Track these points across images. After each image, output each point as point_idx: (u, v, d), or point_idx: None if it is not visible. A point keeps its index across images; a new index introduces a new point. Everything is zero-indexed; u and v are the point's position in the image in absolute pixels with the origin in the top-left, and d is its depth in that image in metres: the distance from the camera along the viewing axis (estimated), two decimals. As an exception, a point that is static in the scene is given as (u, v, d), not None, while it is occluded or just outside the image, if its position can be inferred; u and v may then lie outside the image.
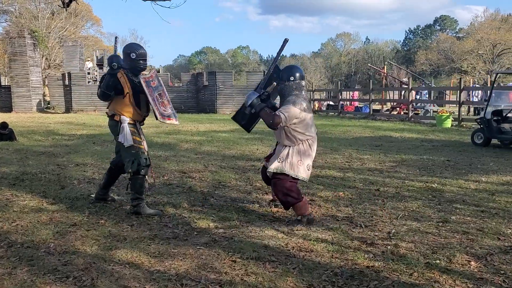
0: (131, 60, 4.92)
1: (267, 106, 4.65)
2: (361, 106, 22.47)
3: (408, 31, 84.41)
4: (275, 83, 4.75)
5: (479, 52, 55.19)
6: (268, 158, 4.85)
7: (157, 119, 4.90)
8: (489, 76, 52.14)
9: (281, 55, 5.00)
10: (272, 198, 5.24)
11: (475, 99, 21.34)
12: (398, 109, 19.32)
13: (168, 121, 4.96)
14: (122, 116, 4.94)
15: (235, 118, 5.10)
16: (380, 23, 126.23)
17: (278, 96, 4.82)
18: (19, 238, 4.18)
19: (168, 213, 4.99)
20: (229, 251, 3.82)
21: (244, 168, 7.58)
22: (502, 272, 3.43)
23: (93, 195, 5.53)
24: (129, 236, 4.23)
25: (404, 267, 3.49)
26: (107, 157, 8.39)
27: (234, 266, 3.53)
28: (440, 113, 15.16)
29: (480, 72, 54.44)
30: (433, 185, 6.31)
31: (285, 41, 4.86)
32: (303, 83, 4.70)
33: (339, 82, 36.30)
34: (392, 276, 3.35)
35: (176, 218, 4.78)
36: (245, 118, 4.99)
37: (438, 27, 79.65)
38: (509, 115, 10.09)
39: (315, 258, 3.69)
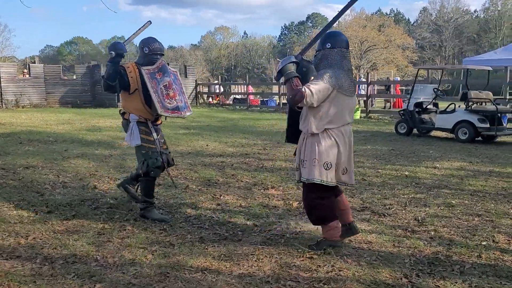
0: (145, 55, 4.59)
1: (299, 77, 3.52)
2: (266, 99, 23.02)
3: (283, 27, 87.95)
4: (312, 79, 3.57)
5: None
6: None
7: (157, 112, 4.57)
8: (357, 71, 56.52)
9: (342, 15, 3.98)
10: (340, 221, 3.85)
11: (362, 92, 23.02)
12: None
13: (172, 115, 4.63)
14: (131, 115, 4.60)
15: (289, 140, 4.08)
16: (253, 17, 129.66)
17: None
18: (53, 252, 3.70)
19: (188, 213, 4.75)
20: (297, 248, 3.77)
21: (217, 164, 7.42)
22: (542, 246, 3.88)
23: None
24: (174, 242, 3.96)
25: (467, 250, 3.77)
26: (52, 158, 7.64)
27: (317, 263, 3.51)
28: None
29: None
30: (405, 173, 6.79)
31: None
32: (346, 52, 3.60)
33: (219, 76, 36.55)
34: (466, 259, 3.60)
35: (202, 219, 4.57)
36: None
37: (311, 24, 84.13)
38: (429, 106, 11.15)
39: (383, 249, 3.81)
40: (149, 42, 4.63)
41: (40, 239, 4.00)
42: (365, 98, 16.62)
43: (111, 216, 4.66)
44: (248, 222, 4.48)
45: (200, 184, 6.03)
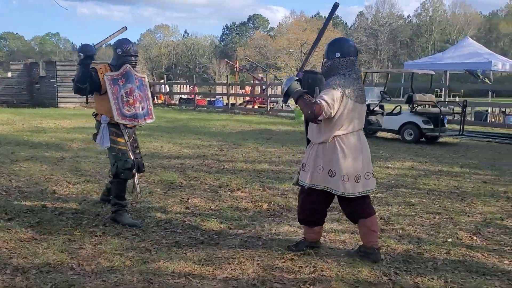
0: (119, 56, 4.50)
1: (308, 92, 3.52)
2: (214, 100, 22.93)
3: (225, 27, 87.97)
4: (317, 89, 3.63)
5: (290, 50, 60.64)
6: None
7: (114, 119, 4.45)
8: (298, 70, 57.41)
9: (328, 24, 4.12)
10: (364, 242, 3.75)
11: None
12: (253, 103, 20.29)
13: (128, 122, 4.51)
14: (102, 116, 4.49)
15: None
16: (193, 16, 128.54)
17: None
18: (23, 262, 3.54)
19: (158, 218, 4.68)
20: (276, 250, 3.82)
21: (176, 166, 7.33)
22: (500, 241, 4.15)
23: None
24: (150, 247, 3.90)
25: (435, 247, 3.97)
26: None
27: (299, 264, 3.57)
28: (298, 107, 16.42)
29: (291, 69, 59.61)
30: (362, 173, 7.01)
31: (336, 5, 3.84)
32: (355, 60, 3.57)
33: (165, 76, 36.00)
34: (437, 256, 3.80)
35: (174, 223, 4.51)
36: None
37: (252, 25, 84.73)
38: (375, 108, 11.57)
39: (356, 248, 3.93)
40: (122, 43, 4.53)
41: (6, 248, 3.81)
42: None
43: (78, 221, 4.51)
44: (221, 225, 4.47)
45: (164, 187, 5.94)
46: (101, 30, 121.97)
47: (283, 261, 3.63)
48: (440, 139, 11.11)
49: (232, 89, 20.97)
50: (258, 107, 19.93)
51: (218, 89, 27.41)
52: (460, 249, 3.92)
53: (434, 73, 12.13)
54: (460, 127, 10.77)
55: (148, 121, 4.64)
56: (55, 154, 8.18)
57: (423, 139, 10.78)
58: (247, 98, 20.82)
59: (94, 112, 4.68)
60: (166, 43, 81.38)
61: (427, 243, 4.06)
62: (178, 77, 69.31)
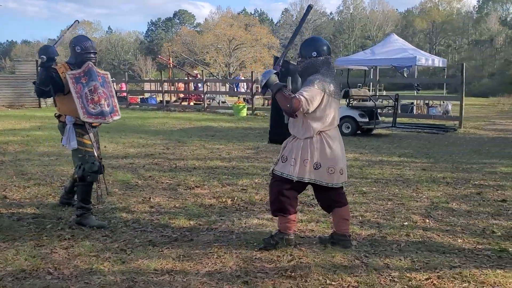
0: (77, 54, 4.41)
1: (286, 86, 3.67)
2: (147, 97, 22.48)
3: (150, 23, 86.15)
4: (289, 77, 3.78)
5: (218, 46, 60.60)
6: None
7: (80, 118, 4.39)
8: (227, 68, 57.77)
9: (302, 26, 4.15)
10: (336, 229, 3.94)
11: (242, 90, 23.77)
12: (188, 100, 20.14)
13: (95, 120, 4.45)
14: (67, 116, 4.40)
15: (272, 140, 4.28)
16: (115, 13, 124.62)
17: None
18: (-3, 271, 3.40)
19: (124, 218, 4.65)
20: (251, 242, 3.95)
21: (127, 166, 7.24)
22: (450, 222, 4.56)
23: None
24: (124, 247, 3.88)
25: (394, 231, 4.28)
26: None
27: (276, 254, 3.72)
28: (237, 104, 16.64)
29: (220, 65, 59.65)
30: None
31: (309, 7, 4.04)
32: (330, 58, 3.74)
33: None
34: (398, 238, 4.10)
35: (142, 222, 4.51)
36: (284, 135, 3.88)
37: (178, 21, 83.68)
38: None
39: (326, 236, 4.15)
40: (80, 41, 4.44)
41: (-28, 257, 3.63)
42: (250, 96, 17.18)
43: (41, 226, 4.38)
44: (191, 222, 4.53)
45: (120, 187, 5.86)
46: (12, 25, 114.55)
47: (260, 252, 3.76)
48: (374, 131, 11.74)
49: (166, 86, 20.66)
50: (194, 103, 19.86)
51: (147, 86, 26.81)
52: (417, 232, 4.26)
53: (367, 68, 12.77)
54: (393, 120, 11.43)
55: (115, 118, 4.58)
56: (-6, 158, 7.76)
57: (359, 131, 11.32)
58: (181, 95, 20.63)
59: (56, 113, 4.55)
60: (88, 39, 78.32)
61: (387, 228, 4.37)
62: (103, 75, 66.91)
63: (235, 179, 6.31)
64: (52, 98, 4.52)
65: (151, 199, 5.30)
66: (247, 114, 16.17)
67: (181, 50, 66.22)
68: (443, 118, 13.63)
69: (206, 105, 17.76)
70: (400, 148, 9.40)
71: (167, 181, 6.27)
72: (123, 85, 29.79)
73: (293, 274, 3.36)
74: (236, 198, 5.35)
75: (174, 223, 4.50)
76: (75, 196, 4.70)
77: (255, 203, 5.11)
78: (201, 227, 4.40)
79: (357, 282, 3.23)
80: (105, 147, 9.13)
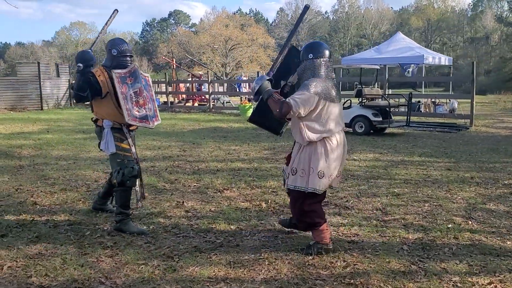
0: (113, 57, 4.31)
1: (282, 91, 3.74)
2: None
3: (145, 24, 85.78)
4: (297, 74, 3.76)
5: (214, 46, 60.45)
6: (288, 159, 3.95)
7: (125, 120, 4.32)
8: (224, 68, 57.63)
9: (298, 26, 4.21)
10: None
11: (244, 90, 23.67)
12: (192, 100, 20.01)
13: (139, 123, 4.38)
14: (104, 120, 4.30)
15: (252, 119, 4.17)
16: (107, 13, 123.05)
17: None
18: (45, 280, 3.31)
19: (162, 223, 4.55)
20: (299, 248, 3.86)
21: (149, 170, 7.12)
22: (493, 223, 4.49)
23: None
24: (170, 254, 3.79)
25: (441, 234, 4.21)
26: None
27: (328, 260, 3.65)
28: (243, 104, 16.54)
29: (217, 65, 59.50)
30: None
31: (306, 7, 4.02)
32: (328, 61, 3.66)
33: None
34: (447, 241, 4.03)
35: (182, 228, 4.41)
36: (268, 118, 3.91)
37: (173, 21, 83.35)
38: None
39: (373, 240, 4.08)
40: (117, 43, 4.35)
41: (18, 267, 3.53)
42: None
43: (79, 233, 4.27)
44: (231, 227, 4.44)
45: (150, 191, 5.74)
46: (5, 27, 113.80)
47: (311, 258, 3.68)
48: (387, 130, 11.69)
49: (171, 87, 20.53)
50: (198, 104, 19.74)
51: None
52: (465, 234, 4.19)
53: (379, 67, 12.72)
54: (407, 118, 11.37)
55: (156, 123, 4.49)
56: (9, 163, 7.63)
57: (372, 130, 11.27)
58: (184, 96, 20.46)
59: (93, 117, 4.45)
60: (83, 40, 77.97)
61: (433, 231, 4.29)
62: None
63: (262, 181, 6.22)
64: (83, 101, 4.41)
65: (184, 203, 5.20)
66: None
67: (177, 51, 66.10)
68: (454, 117, 13.59)
69: (211, 106, 17.65)
70: (417, 147, 9.34)
71: (194, 184, 6.17)
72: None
73: (352, 281, 3.28)
74: (269, 201, 5.26)
75: (214, 227, 4.41)
76: (110, 202, 4.60)
77: (292, 207, 5.02)
78: (243, 231, 4.31)
79: (421, 288, 3.16)
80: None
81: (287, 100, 3.46)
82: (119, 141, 4.32)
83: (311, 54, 3.64)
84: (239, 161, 7.80)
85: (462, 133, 11.57)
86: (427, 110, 15.46)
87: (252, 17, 69.83)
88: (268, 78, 3.75)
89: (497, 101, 24.90)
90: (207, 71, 19.11)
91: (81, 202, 5.28)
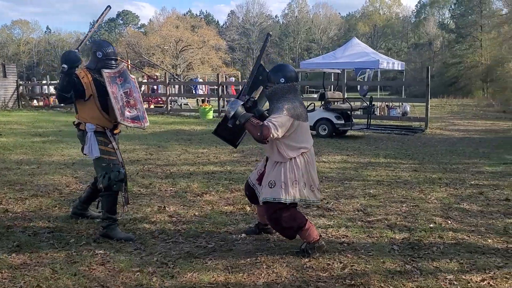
0: (98, 59, 4.18)
1: (254, 115, 3.82)
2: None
3: (92, 23, 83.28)
4: (261, 87, 3.94)
5: (164, 47, 59.67)
6: (261, 177, 3.97)
7: (117, 120, 4.24)
8: (174, 69, 57.03)
9: (263, 53, 4.37)
10: (260, 220, 4.31)
11: (200, 92, 23.48)
12: (148, 103, 19.60)
13: (132, 124, 4.32)
14: (87, 124, 4.15)
15: (217, 132, 4.23)
16: (51, 11, 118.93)
17: (267, 102, 4.06)
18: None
19: (148, 229, 4.45)
20: (293, 250, 3.88)
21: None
22: (471, 222, 4.69)
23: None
24: (164, 260, 3.71)
25: (427, 234, 4.34)
26: None
27: (325, 262, 3.68)
28: (203, 106, 16.41)
29: (167, 66, 58.77)
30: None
31: (268, 36, 4.27)
32: (296, 85, 3.89)
33: (47, 75, 33.26)
34: (434, 241, 4.16)
35: (169, 233, 4.33)
36: (229, 132, 4.11)
37: (122, 21, 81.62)
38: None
39: (362, 241, 4.16)
40: (102, 46, 4.22)
41: (5, 279, 3.35)
42: (212, 98, 16.97)
43: (63, 241, 4.11)
44: (220, 231, 4.40)
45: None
46: None
47: (308, 260, 3.71)
48: (348, 133, 11.95)
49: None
50: (155, 106, 19.40)
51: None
52: (448, 233, 4.35)
53: (340, 71, 12.98)
54: (368, 121, 11.67)
55: (146, 124, 4.38)
56: (-34, 168, 7.21)
57: (334, 133, 11.48)
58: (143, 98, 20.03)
59: (75, 121, 4.28)
60: (25, 40, 74.89)
61: (416, 231, 4.42)
62: (42, 77, 64.29)
63: (240, 185, 6.19)
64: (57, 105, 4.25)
65: (166, 208, 5.10)
66: (213, 117, 15.99)
67: (126, 52, 64.69)
68: (410, 120, 14.07)
69: (169, 108, 17.39)
70: (380, 149, 9.61)
71: (170, 188, 6.07)
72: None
73: (353, 282, 3.33)
74: (252, 204, 5.23)
75: (203, 232, 4.36)
76: (98, 207, 4.44)
77: (276, 209, 5.03)
78: (234, 236, 4.27)
79: (420, 287, 3.25)
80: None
81: (265, 123, 3.59)
82: (103, 145, 4.19)
83: (283, 79, 3.79)
84: (210, 164, 7.74)
85: (418, 136, 12.00)
86: (382, 113, 15.93)
87: (203, 19, 69.43)
88: (242, 102, 3.84)
89: (443, 104, 26.01)
90: (165, 73, 18.75)
91: (57, 208, 5.07)
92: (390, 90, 37.96)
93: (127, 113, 4.16)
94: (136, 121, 4.24)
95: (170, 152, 9.01)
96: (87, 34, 4.64)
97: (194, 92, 22.32)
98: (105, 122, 4.21)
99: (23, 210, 4.99)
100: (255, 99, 3.94)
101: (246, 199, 5.33)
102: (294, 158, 3.74)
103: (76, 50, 4.11)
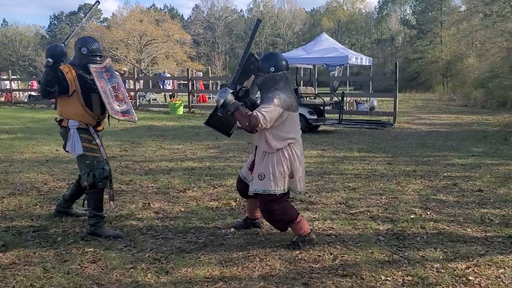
0: (82, 56, 4.12)
1: (245, 104, 3.83)
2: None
3: (52, 17, 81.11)
4: (253, 76, 3.93)
5: (128, 41, 58.66)
6: (252, 167, 3.99)
7: (109, 115, 4.22)
8: (139, 64, 56.19)
9: (253, 39, 4.30)
10: (248, 215, 4.36)
11: (168, 87, 23.24)
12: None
13: (123, 118, 4.29)
14: (70, 121, 4.09)
15: (209, 122, 4.17)
16: (6, 3, 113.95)
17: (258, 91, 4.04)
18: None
19: (135, 225, 4.43)
20: (284, 243, 3.94)
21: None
22: (449, 212, 4.88)
23: None
24: (156, 256, 3.71)
25: (408, 224, 4.49)
26: None
27: (315, 253, 3.77)
28: (173, 101, 16.27)
29: (131, 60, 57.80)
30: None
31: (258, 22, 4.18)
32: (287, 73, 3.85)
33: (9, 70, 32.12)
34: (417, 231, 4.31)
35: (157, 229, 4.33)
36: (221, 121, 4.07)
37: (83, 15, 79.55)
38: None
39: (349, 233, 4.27)
40: (87, 42, 4.16)
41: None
42: (181, 93, 16.85)
43: (50, 239, 4.05)
44: (209, 226, 4.42)
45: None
46: None
47: (299, 252, 3.78)
48: (320, 128, 12.12)
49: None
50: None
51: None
52: (429, 223, 4.50)
53: (312, 67, 13.12)
54: (339, 116, 11.86)
55: (136, 118, 4.36)
56: None
57: (306, 128, 11.61)
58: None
59: (57, 118, 4.20)
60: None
61: (399, 221, 4.57)
62: None
63: (221, 180, 6.23)
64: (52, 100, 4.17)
65: (151, 204, 5.08)
66: (184, 113, 15.90)
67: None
68: (379, 114, 14.37)
69: (138, 104, 17.17)
70: (353, 143, 9.80)
71: (151, 184, 6.03)
72: (35, 83, 27.90)
73: (345, 272, 3.42)
74: (237, 199, 5.28)
75: (191, 228, 4.37)
76: (84, 205, 4.38)
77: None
78: (223, 230, 4.31)
79: (410, 276, 3.37)
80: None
81: (254, 113, 3.59)
82: (87, 142, 4.13)
83: (273, 68, 3.77)
84: (188, 160, 7.72)
85: (388, 130, 12.29)
86: (351, 108, 16.22)
87: (167, 13, 68.59)
88: (232, 91, 3.83)
89: (407, 99, 26.67)
90: (133, 67, 18.48)
91: (38, 206, 4.97)
92: (354, 85, 38.52)
93: (116, 107, 4.13)
94: (126, 114, 4.22)
95: (145, 148, 8.94)
96: (74, 29, 4.56)
97: (161, 87, 22.06)
98: (89, 119, 4.16)
99: (2, 209, 4.87)
100: (247, 88, 3.95)
101: (230, 194, 5.42)
102: (281, 149, 3.75)
103: (63, 45, 4.04)
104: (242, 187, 4.15)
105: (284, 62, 3.84)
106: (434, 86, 42.17)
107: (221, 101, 3.75)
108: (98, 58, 4.18)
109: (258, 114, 3.57)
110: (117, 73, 4.35)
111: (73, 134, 4.09)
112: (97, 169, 4.10)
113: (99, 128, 4.31)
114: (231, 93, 3.82)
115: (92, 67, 4.02)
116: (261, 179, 3.78)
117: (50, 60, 3.85)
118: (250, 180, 3.96)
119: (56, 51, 3.90)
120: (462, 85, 31.95)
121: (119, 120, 4.24)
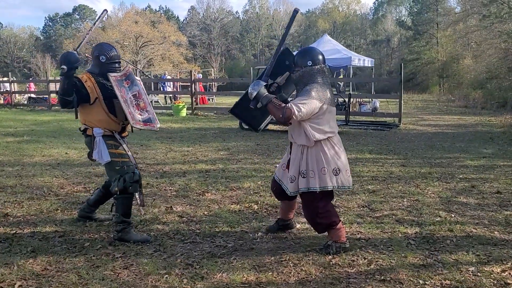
0: (101, 64, 4.07)
1: (277, 98, 3.73)
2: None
3: (47, 18, 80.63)
4: (287, 73, 3.86)
5: (124, 43, 58.48)
6: (288, 164, 3.91)
7: (130, 123, 4.18)
8: (135, 65, 56.05)
9: (289, 30, 4.16)
10: (281, 217, 4.30)
11: (168, 89, 23.21)
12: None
13: (144, 127, 4.26)
14: (94, 129, 4.04)
15: (234, 111, 4.09)
16: (0, 5, 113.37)
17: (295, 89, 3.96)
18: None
19: (161, 230, 4.38)
20: (314, 247, 3.91)
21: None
22: (473, 215, 4.85)
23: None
24: (187, 261, 3.66)
25: (436, 227, 4.45)
26: None
27: (349, 258, 3.74)
28: (176, 103, 16.21)
29: (127, 62, 57.57)
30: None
31: (295, 12, 4.06)
32: (324, 67, 3.79)
33: (9, 72, 32.01)
34: (446, 234, 4.29)
35: (184, 234, 4.28)
36: (249, 113, 3.96)
37: (78, 16, 79.34)
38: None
39: (378, 237, 4.24)
40: (105, 49, 4.10)
41: (30, 286, 3.25)
42: (183, 95, 16.79)
43: (77, 245, 3.99)
44: (236, 230, 4.38)
45: (126, 197, 5.48)
46: None
47: (331, 257, 3.75)
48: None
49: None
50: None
51: (52, 87, 24.92)
52: (456, 226, 4.48)
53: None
54: (347, 118, 11.84)
55: (158, 125, 4.30)
56: None
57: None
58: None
59: (81, 127, 4.14)
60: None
61: (425, 225, 4.54)
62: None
63: (238, 183, 6.18)
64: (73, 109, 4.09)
65: (173, 208, 5.03)
66: (187, 114, 15.84)
67: (84, 47, 62.94)
68: (385, 116, 14.38)
69: (140, 106, 17.06)
70: (361, 145, 9.79)
71: (169, 187, 5.98)
72: (32, 85, 27.76)
73: (382, 277, 3.40)
74: (259, 202, 5.25)
75: (219, 232, 4.33)
76: (112, 210, 4.32)
77: (284, 207, 5.06)
78: (251, 234, 4.27)
79: (448, 280, 3.35)
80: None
81: (288, 105, 3.54)
82: (113, 148, 4.09)
83: (310, 62, 3.72)
84: (201, 162, 7.67)
85: (394, 131, 12.28)
86: (355, 109, 16.21)
87: (163, 15, 68.43)
88: (265, 83, 3.77)
89: (406, 100, 26.66)
90: (136, 70, 18.38)
91: (59, 211, 4.91)
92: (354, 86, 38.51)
93: (138, 116, 4.07)
94: (148, 123, 4.16)
95: (155, 151, 8.88)
96: (85, 36, 4.48)
97: (162, 89, 21.99)
98: (113, 125, 4.11)
99: (23, 214, 4.80)
100: (280, 84, 3.88)
101: (250, 197, 5.39)
102: (320, 143, 3.69)
103: (75, 51, 3.98)
104: (277, 188, 4.08)
105: (320, 56, 3.78)
106: (431, 87, 42.34)
107: (254, 94, 3.68)
108: (117, 65, 4.13)
109: (293, 105, 3.51)
110: (138, 79, 4.28)
111: (99, 142, 4.04)
112: (127, 174, 4.05)
113: (124, 134, 4.26)
114: (265, 86, 3.76)
115: (112, 76, 3.97)
116: (303, 177, 3.73)
117: (65, 67, 3.78)
118: (286, 182, 3.90)
119: (69, 57, 3.84)
120: (458, 86, 32.14)
121: (140, 129, 4.18)
